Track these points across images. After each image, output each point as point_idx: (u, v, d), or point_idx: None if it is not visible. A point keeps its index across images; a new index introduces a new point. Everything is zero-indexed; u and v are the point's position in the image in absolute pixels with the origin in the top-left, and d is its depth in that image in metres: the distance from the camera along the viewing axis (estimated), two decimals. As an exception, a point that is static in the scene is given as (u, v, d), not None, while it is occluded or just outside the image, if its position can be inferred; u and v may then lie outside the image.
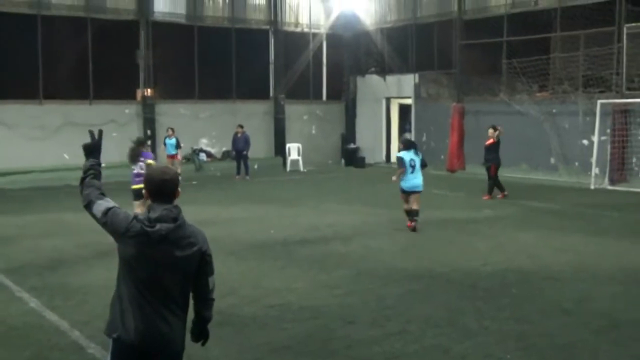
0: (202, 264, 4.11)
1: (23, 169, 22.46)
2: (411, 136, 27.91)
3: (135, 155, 12.84)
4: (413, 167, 13.27)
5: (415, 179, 13.31)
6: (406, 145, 13.75)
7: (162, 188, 4.01)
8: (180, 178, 4.39)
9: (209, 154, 26.93)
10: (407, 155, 13.36)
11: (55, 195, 19.15)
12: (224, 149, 27.12)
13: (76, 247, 11.80)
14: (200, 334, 4.35)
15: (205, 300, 4.24)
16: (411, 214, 13.43)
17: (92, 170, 4.19)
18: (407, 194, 13.41)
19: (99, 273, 9.79)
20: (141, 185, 12.13)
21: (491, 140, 18.17)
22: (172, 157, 22.20)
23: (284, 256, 11.33)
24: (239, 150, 24.31)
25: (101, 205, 4.01)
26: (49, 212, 16.02)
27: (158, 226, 3.89)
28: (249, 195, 19.56)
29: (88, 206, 4.05)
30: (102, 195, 4.09)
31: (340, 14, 30.08)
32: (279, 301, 8.59)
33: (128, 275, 3.94)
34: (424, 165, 13.56)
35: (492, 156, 18.08)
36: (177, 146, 22.41)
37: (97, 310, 7.84)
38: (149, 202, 4.04)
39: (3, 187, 21.33)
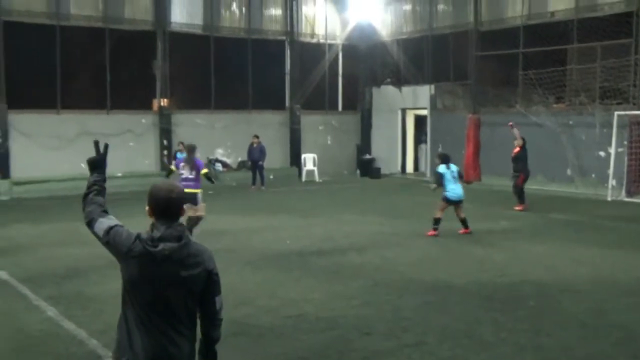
0: (208, 284, 3.95)
1: (40, 179, 22.59)
2: (427, 147, 28.02)
3: (191, 163, 13.44)
4: (454, 178, 14.11)
5: (459, 189, 14.16)
6: (444, 159, 14.41)
7: (169, 206, 3.85)
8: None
9: (224, 164, 26.97)
10: (447, 169, 14.14)
11: (71, 204, 19.11)
12: (239, 159, 27.15)
13: (92, 257, 11.79)
14: (208, 354, 4.19)
15: (212, 321, 4.08)
16: (462, 222, 14.32)
17: (96, 186, 4.04)
18: (452, 203, 14.11)
19: (115, 282, 9.67)
20: (190, 190, 12.65)
21: (517, 149, 18.12)
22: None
23: (300, 266, 11.33)
24: (254, 161, 24.39)
25: (103, 223, 3.87)
26: (65, 222, 16.07)
27: (161, 246, 3.75)
28: (265, 206, 19.58)
29: (90, 224, 3.92)
30: (105, 212, 3.95)
31: (356, 25, 30.11)
32: (295, 311, 8.58)
33: (132, 296, 3.84)
34: (461, 176, 14.43)
35: (521, 166, 18.05)
36: (189, 159, 22.48)
37: (114, 319, 7.73)
38: (152, 220, 3.87)
39: (20, 196, 21.51)
